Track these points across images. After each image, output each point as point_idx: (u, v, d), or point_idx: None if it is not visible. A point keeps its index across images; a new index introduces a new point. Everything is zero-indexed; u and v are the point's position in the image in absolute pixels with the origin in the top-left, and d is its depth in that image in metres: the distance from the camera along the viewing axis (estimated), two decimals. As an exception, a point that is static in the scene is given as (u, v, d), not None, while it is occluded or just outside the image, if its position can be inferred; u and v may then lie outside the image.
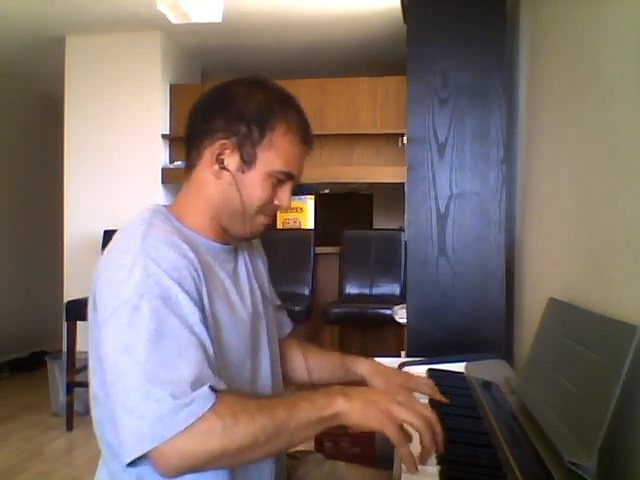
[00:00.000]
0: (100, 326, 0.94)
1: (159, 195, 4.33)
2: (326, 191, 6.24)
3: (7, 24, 4.09)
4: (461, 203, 1.88)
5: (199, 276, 0.98)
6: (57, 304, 4.19)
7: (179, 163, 4.21)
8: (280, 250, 4.15)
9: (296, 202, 4.45)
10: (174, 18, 3.45)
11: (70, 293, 4.13)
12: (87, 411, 1.08)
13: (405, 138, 1.95)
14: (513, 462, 0.91)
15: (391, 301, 3.47)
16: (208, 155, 1.06)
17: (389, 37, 4.23)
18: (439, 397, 1.19)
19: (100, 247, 3.58)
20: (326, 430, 0.93)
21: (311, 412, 0.90)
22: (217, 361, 0.95)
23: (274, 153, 1.05)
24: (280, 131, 1.05)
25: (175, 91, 4.48)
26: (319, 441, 2.35)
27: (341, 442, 2.38)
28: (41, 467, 3.03)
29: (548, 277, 1.57)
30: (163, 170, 4.38)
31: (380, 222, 6.42)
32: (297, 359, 1.34)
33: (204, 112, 1.09)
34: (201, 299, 0.97)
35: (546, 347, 1.24)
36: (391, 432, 0.89)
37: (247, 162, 1.05)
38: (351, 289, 4.09)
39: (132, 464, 0.86)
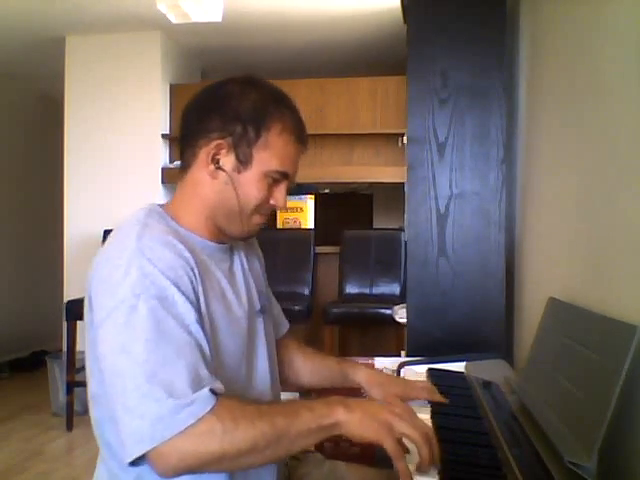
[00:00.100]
0: (97, 326, 0.94)
1: (159, 195, 4.33)
2: (326, 191, 6.24)
3: (7, 24, 4.09)
4: (461, 203, 1.88)
5: (195, 276, 0.98)
6: (57, 304, 4.19)
7: (179, 163, 4.20)
8: (280, 250, 4.15)
9: (296, 202, 4.45)
10: (174, 18, 3.45)
11: (70, 293, 4.13)
12: (87, 411, 1.08)
13: (405, 138, 1.96)
14: (513, 462, 0.91)
15: (391, 301, 3.47)
16: (203, 155, 1.06)
17: (389, 37, 4.23)
18: (439, 399, 1.19)
19: (100, 247, 3.58)
20: (322, 439, 0.93)
21: (311, 421, 0.90)
22: (214, 361, 0.95)
23: (270, 153, 1.05)
24: (276, 131, 1.05)
25: (175, 91, 4.48)
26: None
27: (341, 442, 2.37)
28: (41, 467, 3.04)
29: (548, 277, 1.57)
30: (163, 170, 4.38)
31: (380, 222, 6.42)
32: (296, 362, 1.34)
33: (199, 112, 1.08)
34: (197, 299, 0.97)
35: (546, 347, 1.24)
36: (389, 445, 0.89)
37: (243, 162, 1.04)
38: (351, 289, 4.09)
39: (133, 464, 0.86)
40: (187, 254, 0.98)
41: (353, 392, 1.25)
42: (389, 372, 1.53)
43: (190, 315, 0.93)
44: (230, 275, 1.11)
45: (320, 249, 4.25)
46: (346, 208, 6.39)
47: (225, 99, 1.06)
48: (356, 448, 2.37)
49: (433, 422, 1.08)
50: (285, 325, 1.37)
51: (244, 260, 1.18)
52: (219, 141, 1.04)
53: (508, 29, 1.92)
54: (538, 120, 1.73)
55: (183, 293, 0.94)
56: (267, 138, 1.04)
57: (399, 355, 2.00)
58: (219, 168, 1.05)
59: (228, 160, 1.05)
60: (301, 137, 1.09)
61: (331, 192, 6.35)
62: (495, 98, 1.87)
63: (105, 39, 4.38)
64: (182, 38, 4.48)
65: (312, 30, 4.33)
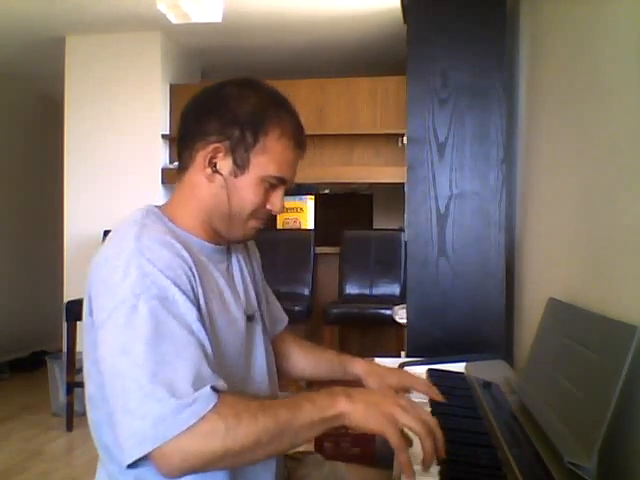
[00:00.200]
0: (97, 328, 0.94)
1: (159, 195, 4.32)
2: (326, 191, 6.25)
3: (7, 24, 4.10)
4: (461, 203, 1.88)
5: (194, 275, 0.98)
6: (57, 304, 4.19)
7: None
8: (280, 250, 4.15)
9: (296, 202, 4.45)
10: (174, 18, 3.45)
11: (70, 293, 4.13)
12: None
13: (405, 138, 1.96)
14: (513, 462, 0.91)
15: (391, 301, 3.47)
16: (201, 158, 1.05)
17: (389, 37, 4.23)
18: (436, 395, 1.18)
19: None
20: (326, 430, 0.93)
21: (314, 413, 0.90)
22: (215, 359, 0.95)
23: (267, 158, 1.04)
24: (274, 136, 1.04)
25: (175, 91, 4.48)
26: (319, 442, 2.35)
27: (341, 442, 2.38)
28: (41, 467, 3.03)
29: (548, 277, 1.57)
30: (163, 170, 4.38)
31: (380, 222, 6.42)
32: (294, 355, 1.34)
33: (197, 113, 1.07)
34: (197, 298, 0.97)
35: (546, 347, 1.24)
36: (391, 435, 0.89)
37: (240, 166, 1.04)
38: (351, 289, 4.09)
39: (131, 466, 0.86)
40: (185, 254, 0.98)
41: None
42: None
43: (191, 314, 0.93)
44: (228, 276, 1.11)
45: (320, 249, 4.25)
46: (346, 208, 6.39)
47: (224, 102, 1.05)
48: (356, 448, 2.37)
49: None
50: (284, 320, 1.37)
51: (242, 261, 1.18)
52: (217, 144, 1.03)
53: (508, 29, 1.92)
54: (538, 120, 1.73)
55: (183, 292, 0.94)
56: (265, 143, 1.03)
57: (399, 355, 2.00)
58: (216, 171, 1.04)
59: (225, 164, 1.04)
60: (300, 142, 1.08)
61: (331, 192, 6.36)
62: (495, 98, 1.87)
63: (105, 39, 4.39)
64: (182, 38, 4.48)
65: (312, 30, 4.33)
